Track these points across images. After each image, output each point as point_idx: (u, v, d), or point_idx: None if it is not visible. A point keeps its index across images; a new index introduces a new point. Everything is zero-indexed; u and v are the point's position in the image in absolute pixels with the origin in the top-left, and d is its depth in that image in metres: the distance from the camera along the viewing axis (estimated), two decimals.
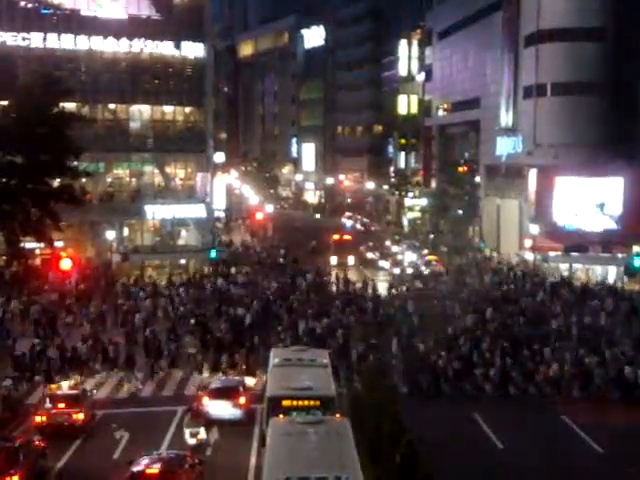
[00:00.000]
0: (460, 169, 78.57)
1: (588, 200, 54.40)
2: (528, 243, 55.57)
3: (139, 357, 34.14)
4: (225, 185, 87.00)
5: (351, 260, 60.62)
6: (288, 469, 17.34)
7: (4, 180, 43.66)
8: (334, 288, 48.95)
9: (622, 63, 56.09)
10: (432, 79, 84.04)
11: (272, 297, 42.95)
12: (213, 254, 54.47)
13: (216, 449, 25.00)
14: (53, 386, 29.00)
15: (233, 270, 53.02)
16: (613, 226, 53.80)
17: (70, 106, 50.49)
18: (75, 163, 46.33)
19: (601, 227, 53.72)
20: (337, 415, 22.02)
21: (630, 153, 54.55)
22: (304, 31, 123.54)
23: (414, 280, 51.69)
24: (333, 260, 60.12)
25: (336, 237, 69.73)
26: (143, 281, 50.13)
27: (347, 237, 70.84)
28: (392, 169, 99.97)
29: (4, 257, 48.56)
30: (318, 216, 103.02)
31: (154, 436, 25.85)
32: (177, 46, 57.88)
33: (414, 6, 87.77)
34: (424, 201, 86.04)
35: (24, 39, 53.77)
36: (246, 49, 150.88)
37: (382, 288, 49.52)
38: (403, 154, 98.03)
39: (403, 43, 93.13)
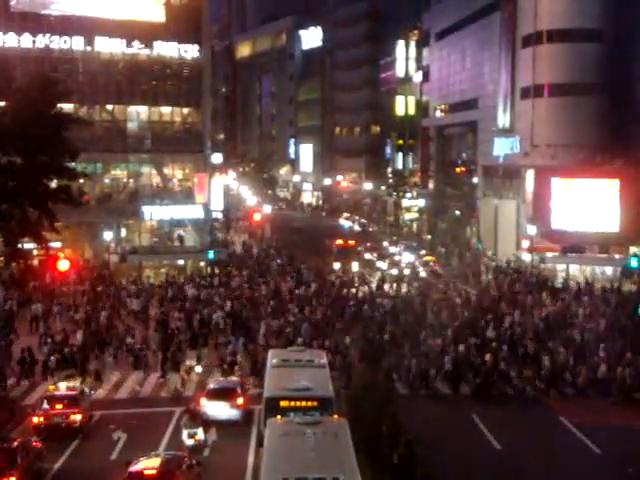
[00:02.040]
0: (457, 170, 78.63)
1: (585, 201, 54.42)
2: (525, 244, 55.58)
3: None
4: (223, 186, 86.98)
5: (355, 267, 57.01)
6: (286, 470, 17.34)
7: (2, 181, 43.66)
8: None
9: (619, 64, 56.14)
10: (430, 80, 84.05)
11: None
12: (211, 255, 54.43)
13: (214, 450, 25.00)
14: (51, 387, 28.99)
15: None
16: (610, 227, 53.77)
17: (68, 107, 50.53)
18: (73, 164, 46.36)
19: (598, 228, 53.69)
20: (335, 416, 22.03)
21: (627, 154, 54.62)
22: (302, 32, 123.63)
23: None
24: (336, 266, 57.01)
25: (339, 242, 67.88)
26: (141, 282, 50.16)
27: (351, 242, 68.62)
28: (390, 170, 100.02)
29: (1, 258, 48.53)
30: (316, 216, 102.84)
31: (152, 437, 25.86)
32: (175, 47, 57.91)
33: (411, 7, 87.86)
34: (422, 202, 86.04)
35: (21, 40, 53.89)
36: (244, 50, 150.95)
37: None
38: (401, 155, 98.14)
39: (401, 44, 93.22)
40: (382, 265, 60.00)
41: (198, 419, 25.61)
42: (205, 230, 59.85)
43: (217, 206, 68.06)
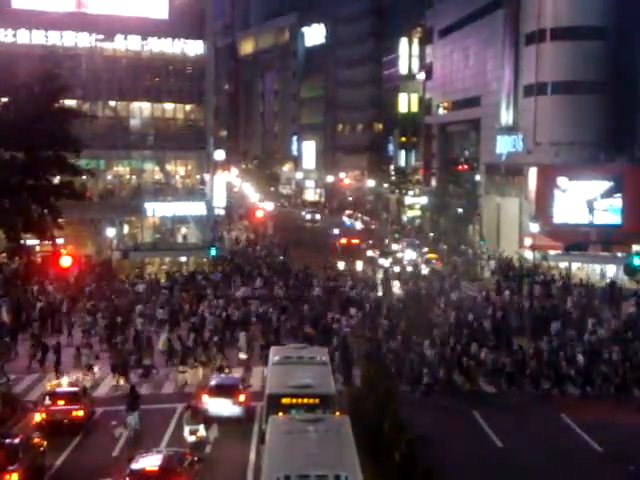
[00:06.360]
0: (460, 167, 78.56)
1: (588, 199, 54.36)
2: (528, 242, 55.44)
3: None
4: (225, 183, 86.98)
5: (360, 266, 56.15)
6: (287, 467, 17.28)
7: (5, 176, 43.65)
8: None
9: (623, 62, 56.03)
10: (433, 77, 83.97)
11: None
12: (213, 252, 54.42)
13: (215, 446, 24.91)
14: (53, 383, 28.98)
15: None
16: (613, 226, 53.67)
17: (71, 103, 50.53)
18: (76, 160, 46.37)
19: (601, 226, 53.58)
20: (337, 413, 22.02)
21: (630, 152, 54.54)
22: (305, 29, 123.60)
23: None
24: (340, 266, 55.56)
25: (343, 241, 67.20)
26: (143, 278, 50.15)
27: (355, 241, 67.79)
28: (392, 167, 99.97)
29: (3, 254, 48.51)
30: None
31: (154, 433, 25.86)
32: (178, 44, 57.90)
33: (415, 4, 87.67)
34: (424, 199, 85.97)
35: (24, 36, 53.88)
36: (247, 47, 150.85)
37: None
38: (403, 152, 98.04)
39: (404, 41, 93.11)
40: (385, 263, 59.92)
41: (200, 416, 25.58)
42: (207, 227, 59.85)
43: (220, 203, 68.09)
